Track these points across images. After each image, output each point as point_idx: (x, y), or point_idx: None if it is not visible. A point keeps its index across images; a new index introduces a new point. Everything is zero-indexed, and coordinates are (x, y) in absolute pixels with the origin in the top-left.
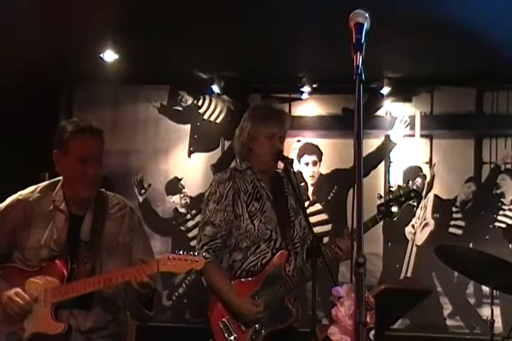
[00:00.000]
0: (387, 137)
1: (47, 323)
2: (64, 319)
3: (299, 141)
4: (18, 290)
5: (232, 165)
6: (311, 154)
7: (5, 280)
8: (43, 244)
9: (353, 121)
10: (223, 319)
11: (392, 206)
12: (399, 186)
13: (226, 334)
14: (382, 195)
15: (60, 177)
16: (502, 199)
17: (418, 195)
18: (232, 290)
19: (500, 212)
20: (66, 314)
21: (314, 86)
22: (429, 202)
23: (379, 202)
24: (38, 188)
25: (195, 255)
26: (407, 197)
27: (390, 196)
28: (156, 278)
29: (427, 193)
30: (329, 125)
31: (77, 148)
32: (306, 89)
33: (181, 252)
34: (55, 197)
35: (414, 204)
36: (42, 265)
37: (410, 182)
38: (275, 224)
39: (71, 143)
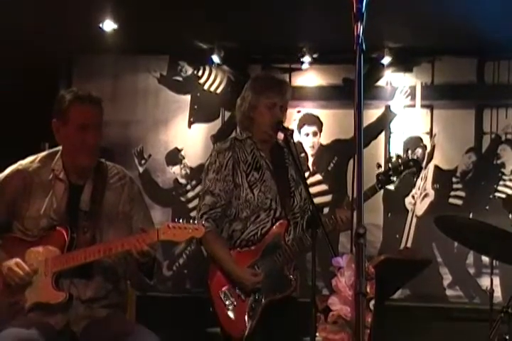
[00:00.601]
0: (388, 107)
1: (48, 292)
2: (65, 288)
3: (299, 111)
4: (18, 260)
5: (233, 135)
6: (311, 125)
7: (5, 251)
8: (42, 214)
9: (354, 91)
10: (223, 288)
11: (391, 175)
12: (398, 156)
13: (226, 303)
14: (382, 165)
15: (60, 147)
16: (502, 170)
17: (417, 164)
18: (231, 259)
19: (501, 183)
20: (67, 283)
21: (315, 56)
22: (429, 172)
23: (378, 171)
24: (38, 158)
25: (195, 223)
26: (406, 166)
27: (389, 165)
28: (156, 247)
29: (427, 164)
30: (329, 95)
31: (77, 117)
32: (307, 59)
33: (181, 221)
34: (55, 167)
35: (414, 170)
36: (42, 234)
37: (410, 152)
38: (275, 194)
39: (71, 111)
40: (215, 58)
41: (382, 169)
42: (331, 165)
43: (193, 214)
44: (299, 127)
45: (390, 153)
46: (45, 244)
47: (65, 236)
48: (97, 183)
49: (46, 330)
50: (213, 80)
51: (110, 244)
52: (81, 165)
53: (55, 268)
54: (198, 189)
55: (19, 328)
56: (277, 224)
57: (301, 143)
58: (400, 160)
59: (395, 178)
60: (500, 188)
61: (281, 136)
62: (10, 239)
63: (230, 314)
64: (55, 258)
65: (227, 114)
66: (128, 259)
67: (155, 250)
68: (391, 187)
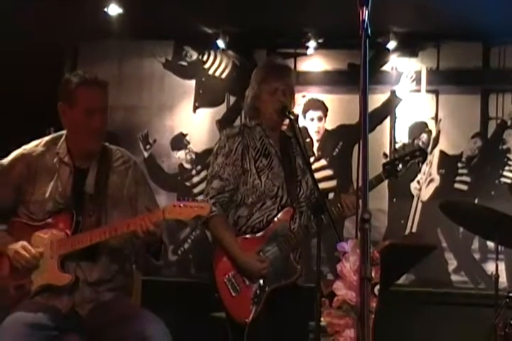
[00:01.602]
0: (393, 92)
1: (54, 275)
2: (71, 271)
3: (304, 96)
4: (25, 243)
5: (238, 122)
6: (317, 110)
7: (11, 235)
8: (48, 197)
9: (359, 76)
10: (228, 274)
11: (397, 165)
12: (404, 144)
13: (231, 289)
14: (388, 152)
15: (64, 131)
16: (508, 155)
17: (424, 154)
18: (237, 244)
19: (506, 168)
20: (73, 266)
21: (320, 41)
22: (434, 157)
23: (384, 160)
24: (42, 142)
25: (200, 202)
26: (413, 155)
27: (396, 155)
28: (163, 227)
29: (432, 149)
30: (335, 80)
31: (84, 100)
32: (312, 44)
33: (187, 199)
34: (59, 150)
35: (420, 160)
36: (47, 218)
37: (414, 137)
38: (282, 181)
39: (77, 94)
40: (220, 43)
41: (388, 158)
42: (336, 150)
43: (198, 199)
44: (304, 112)
45: (395, 138)
46: (50, 227)
47: (71, 220)
48: (102, 167)
49: (53, 313)
50: (218, 65)
51: (116, 225)
52: (87, 149)
53: (61, 250)
54: (203, 174)
55: (26, 312)
56: (283, 211)
57: (306, 128)
58: (406, 150)
59: (401, 167)
60: (505, 173)
61: (286, 121)
62: (16, 223)
63: (235, 300)
64: (60, 241)
65: (232, 99)
66: (134, 241)
67: (161, 230)
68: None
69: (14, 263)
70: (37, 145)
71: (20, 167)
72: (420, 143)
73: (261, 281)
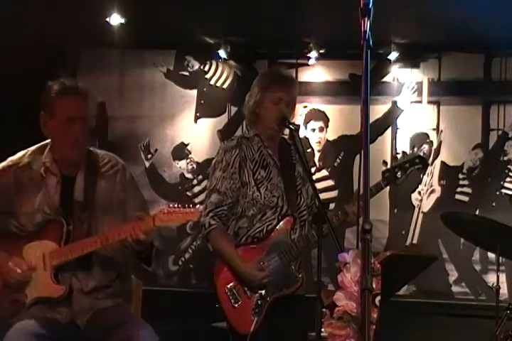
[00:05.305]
0: (394, 103)
1: (48, 287)
2: (66, 281)
3: (305, 106)
4: (16, 259)
5: (239, 132)
6: (318, 120)
7: (3, 248)
8: (36, 209)
9: (360, 87)
10: (229, 284)
11: (397, 172)
12: (404, 152)
13: (232, 300)
14: (388, 161)
15: (49, 140)
16: (509, 166)
17: (423, 161)
18: (237, 255)
19: (507, 179)
20: (68, 276)
21: (321, 51)
22: (435, 168)
23: (384, 168)
24: (28, 152)
25: (190, 207)
26: (412, 163)
27: (395, 162)
28: (154, 234)
29: (433, 160)
30: (336, 91)
31: (63, 110)
32: (313, 54)
33: (176, 205)
34: (45, 160)
35: (420, 167)
36: (38, 229)
37: (416, 148)
38: (281, 192)
39: (57, 104)
40: (222, 53)
41: (388, 166)
42: (338, 160)
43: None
44: (306, 122)
45: (396, 149)
46: (41, 238)
47: (61, 230)
48: (89, 173)
49: (51, 324)
50: (220, 75)
51: (106, 233)
52: (70, 159)
53: (53, 262)
54: (204, 184)
55: (26, 324)
56: (283, 221)
57: (307, 139)
58: (405, 157)
59: (400, 175)
60: (506, 185)
61: (287, 131)
62: (7, 236)
63: (236, 310)
64: (53, 252)
65: (234, 109)
66: (124, 252)
67: (153, 236)
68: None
69: (7, 279)
70: (23, 156)
71: (6, 180)
72: (421, 154)
73: (262, 291)
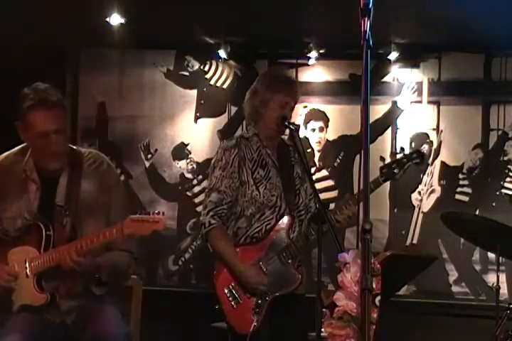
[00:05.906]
0: (394, 103)
1: (31, 295)
2: (49, 287)
3: (305, 106)
4: (0, 265)
5: (239, 131)
6: (318, 120)
7: None
8: (17, 214)
9: (360, 87)
10: (229, 285)
11: (394, 168)
12: (402, 148)
13: (232, 301)
14: (387, 159)
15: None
16: (509, 166)
17: (420, 156)
18: (237, 256)
19: (507, 179)
20: (53, 282)
21: (321, 51)
22: (435, 168)
23: (382, 164)
24: (11, 155)
25: (155, 215)
26: (410, 157)
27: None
28: (133, 242)
29: (433, 160)
30: (336, 91)
31: (36, 124)
32: (313, 54)
33: (142, 213)
34: (25, 167)
35: (418, 162)
36: (20, 234)
37: (414, 145)
38: (280, 191)
39: (29, 118)
40: (222, 53)
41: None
42: (338, 160)
43: (199, 209)
44: (306, 122)
45: (396, 149)
46: (24, 244)
47: (41, 235)
48: (73, 174)
49: (44, 326)
50: (220, 75)
51: (81, 241)
52: (49, 168)
53: (34, 269)
54: (204, 184)
55: (14, 331)
56: (282, 220)
57: (307, 139)
58: (403, 153)
59: (398, 170)
60: (506, 185)
61: (287, 132)
62: None
63: (236, 310)
64: (33, 258)
65: (234, 109)
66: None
67: (131, 244)
68: (398, 182)
69: None
70: (5, 159)
71: None
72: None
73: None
